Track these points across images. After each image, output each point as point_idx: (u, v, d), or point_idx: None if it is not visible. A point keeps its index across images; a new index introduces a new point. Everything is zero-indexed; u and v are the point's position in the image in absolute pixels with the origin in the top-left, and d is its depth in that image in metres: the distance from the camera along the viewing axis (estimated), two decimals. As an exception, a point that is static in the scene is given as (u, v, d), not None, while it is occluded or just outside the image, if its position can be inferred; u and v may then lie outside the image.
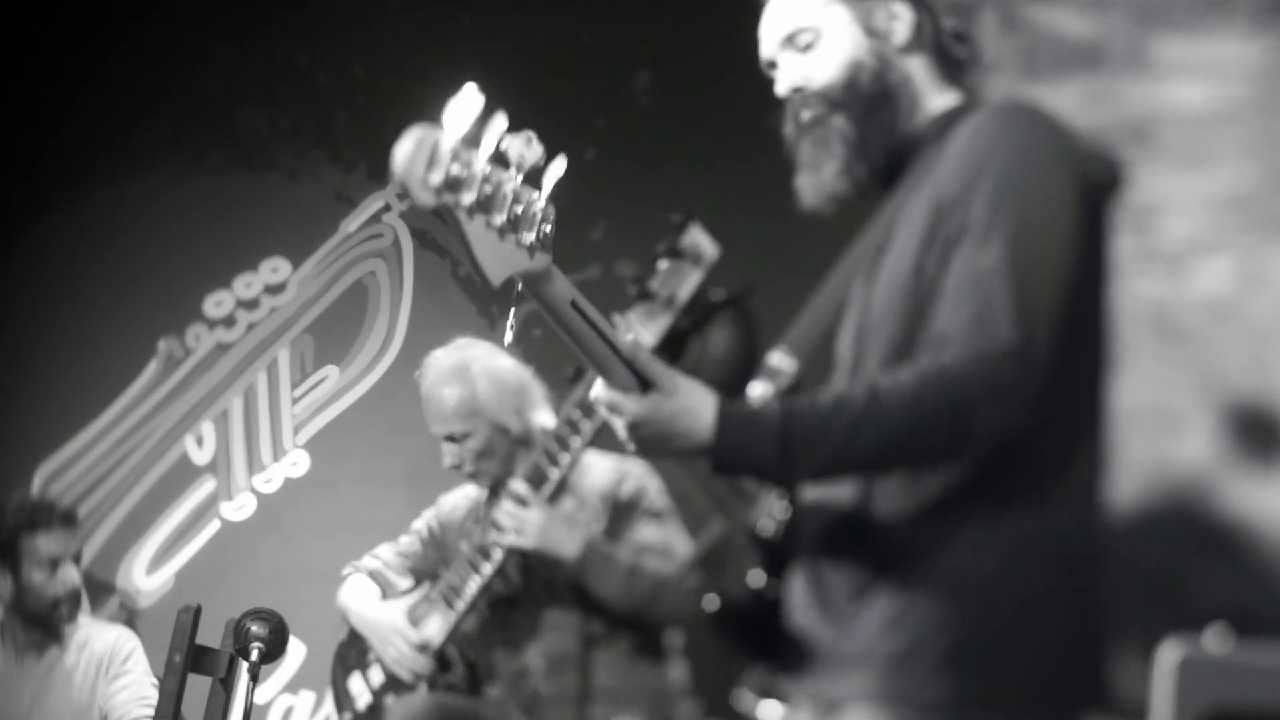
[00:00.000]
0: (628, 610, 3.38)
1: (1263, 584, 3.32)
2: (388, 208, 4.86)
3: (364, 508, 4.61)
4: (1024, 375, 1.80)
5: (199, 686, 3.52)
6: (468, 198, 1.68)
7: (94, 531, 4.84)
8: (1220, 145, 3.57)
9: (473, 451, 3.55)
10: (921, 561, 1.87)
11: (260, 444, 4.84)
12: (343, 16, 4.95)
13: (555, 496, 3.36)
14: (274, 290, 4.93)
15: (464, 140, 1.67)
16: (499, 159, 1.72)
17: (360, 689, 3.65)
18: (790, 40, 2.12)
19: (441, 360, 3.64)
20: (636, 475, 3.56)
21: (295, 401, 4.84)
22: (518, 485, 3.35)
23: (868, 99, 2.06)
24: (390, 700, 3.57)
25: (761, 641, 1.96)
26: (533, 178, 1.78)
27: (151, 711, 3.82)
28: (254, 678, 3.22)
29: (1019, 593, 1.86)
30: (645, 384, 1.91)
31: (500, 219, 1.73)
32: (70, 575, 3.88)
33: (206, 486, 4.86)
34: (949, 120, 2.04)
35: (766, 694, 2.06)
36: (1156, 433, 3.47)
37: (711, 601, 1.93)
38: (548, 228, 1.80)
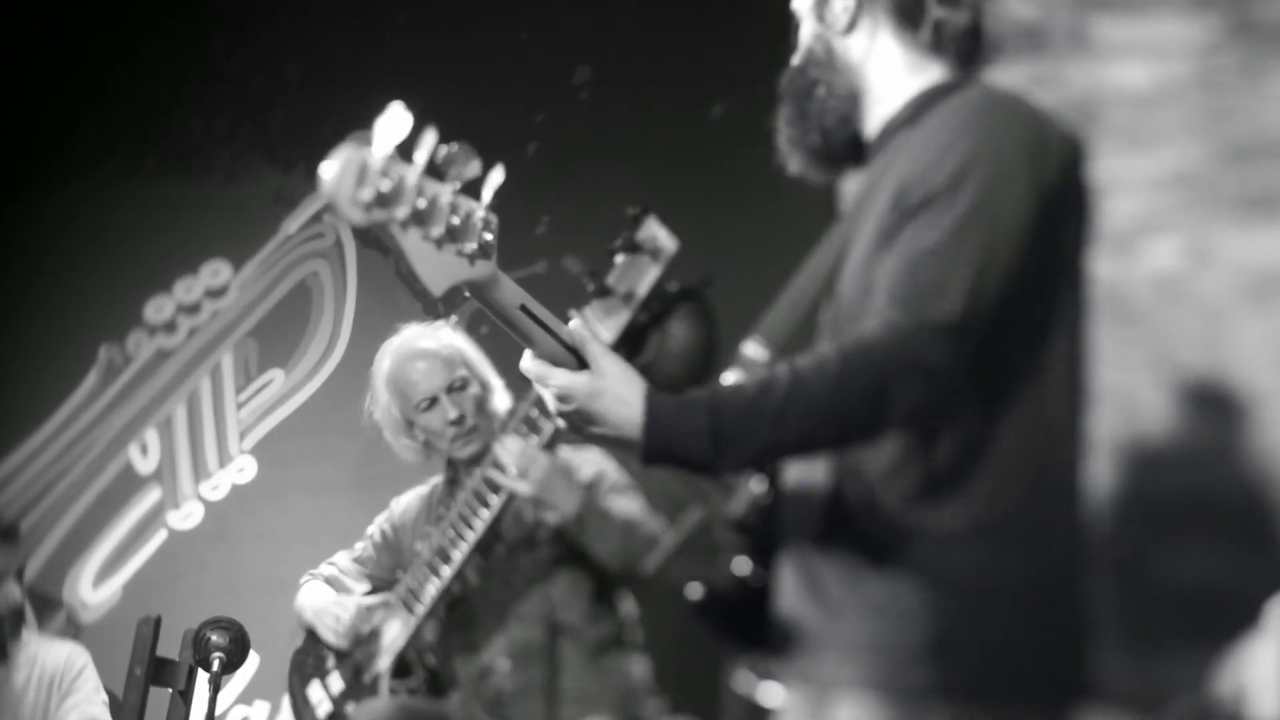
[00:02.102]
0: (622, 566, 3.34)
1: (1225, 558, 3.34)
2: (328, 207, 4.80)
3: (313, 513, 4.56)
4: (948, 352, 1.79)
5: (156, 699, 3.48)
6: (401, 211, 1.67)
7: (38, 546, 4.76)
8: (1164, 125, 3.59)
9: (474, 399, 3.51)
10: (908, 550, 1.87)
11: (206, 451, 4.78)
12: (276, 16, 4.89)
13: (503, 513, 3.32)
14: (215, 294, 4.86)
15: (393, 156, 1.67)
16: (434, 172, 1.72)
17: (320, 697, 3.61)
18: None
19: (402, 335, 3.63)
20: (592, 460, 3.54)
21: (240, 406, 4.78)
22: (511, 440, 3.29)
23: (799, 90, 2.11)
24: (351, 708, 3.53)
25: (746, 628, 1.95)
26: (472, 188, 1.78)
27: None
28: (216, 688, 3.18)
29: (1002, 583, 1.86)
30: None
31: (438, 230, 1.73)
32: (11, 593, 3.81)
33: (152, 496, 4.79)
34: (925, 101, 2.02)
35: (767, 675, 2.06)
36: (1112, 411, 3.49)
37: (695, 590, 1.92)
38: (489, 236, 1.80)
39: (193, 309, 4.87)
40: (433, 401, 3.52)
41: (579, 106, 4.59)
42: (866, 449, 1.87)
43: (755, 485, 1.94)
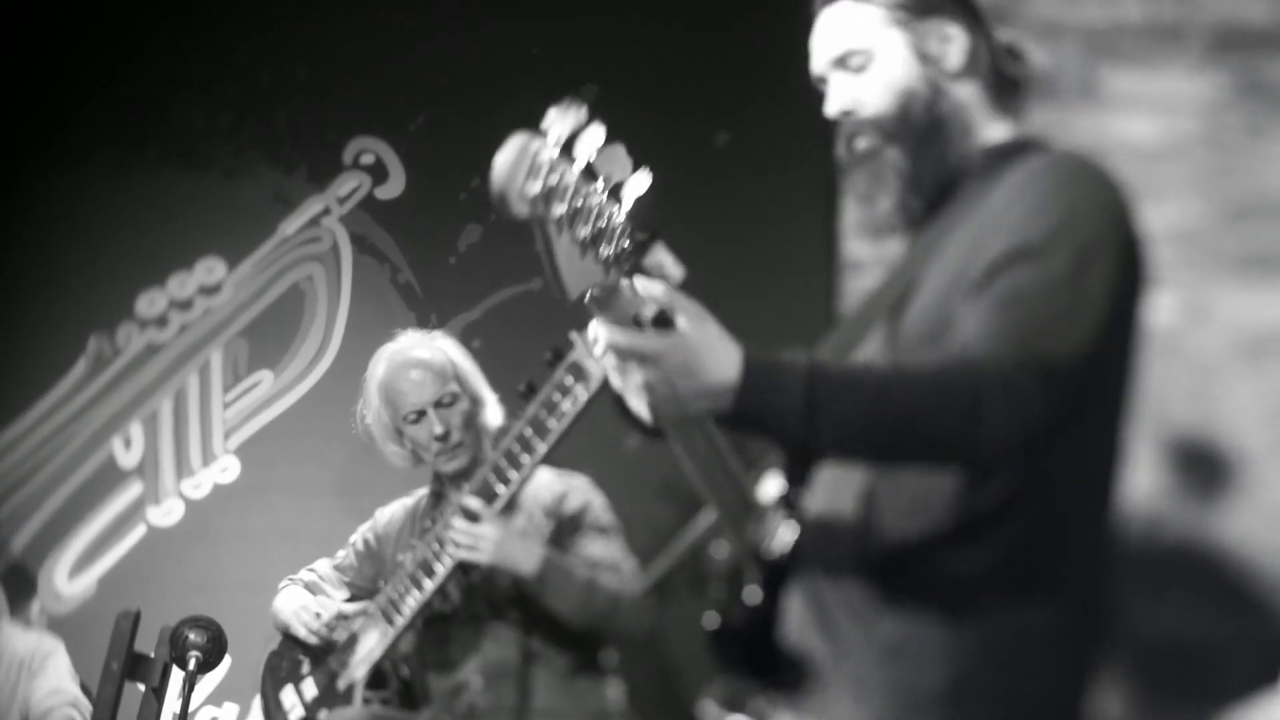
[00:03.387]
0: (583, 625, 3.35)
1: (1211, 614, 3.34)
2: (327, 211, 4.79)
3: (294, 516, 4.54)
4: (1043, 392, 1.75)
5: (128, 695, 3.46)
6: (559, 210, 1.66)
7: (15, 534, 4.73)
8: (1167, 179, 3.60)
9: (461, 416, 3.50)
10: (925, 589, 1.84)
11: (190, 448, 4.75)
12: (287, 13, 4.87)
13: (505, 512, 3.31)
14: (209, 291, 4.84)
15: (561, 150, 1.65)
16: (588, 170, 1.69)
17: (292, 702, 3.60)
18: (842, 61, 2.07)
19: (400, 342, 3.63)
20: (581, 490, 3.54)
21: (227, 406, 4.76)
22: (470, 500, 3.31)
23: (920, 130, 2.01)
24: (324, 714, 3.52)
25: (756, 659, 1.93)
26: (615, 190, 1.74)
27: (74, 711, 3.75)
28: (191, 687, 3.17)
29: (1026, 631, 1.84)
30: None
31: (585, 232, 1.70)
32: None
33: (133, 490, 4.76)
34: (999, 156, 1.99)
35: (733, 707, 2.04)
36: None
37: (711, 620, 1.89)
38: (625, 243, 1.75)
39: (185, 305, 4.85)
40: (420, 415, 3.52)
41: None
42: (941, 467, 1.83)
43: (787, 530, 1.91)
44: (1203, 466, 3.44)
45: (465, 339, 4.50)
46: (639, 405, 1.90)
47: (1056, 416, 1.78)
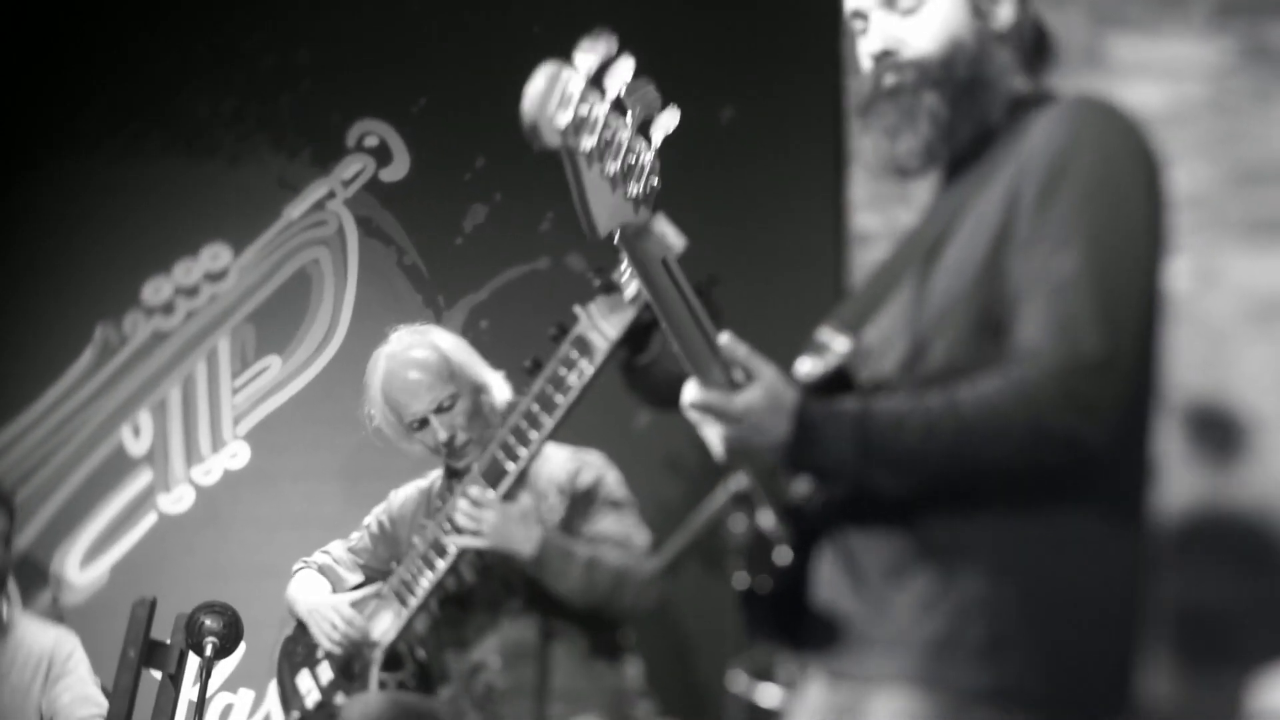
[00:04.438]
0: (587, 605, 3.34)
1: (1226, 581, 3.33)
2: (331, 195, 4.78)
3: (304, 501, 4.53)
4: (1108, 389, 1.76)
5: (145, 682, 3.46)
6: (588, 142, 1.64)
7: (26, 524, 4.73)
8: (1174, 145, 3.56)
9: (464, 415, 3.48)
10: (964, 544, 1.83)
11: (199, 435, 4.75)
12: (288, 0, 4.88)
13: (512, 491, 3.30)
14: (214, 277, 4.83)
15: (590, 82, 1.64)
16: (617, 105, 1.68)
17: (309, 686, 3.59)
18: (891, 1, 2.05)
19: (394, 344, 3.60)
20: (594, 465, 3.53)
21: (236, 392, 4.75)
22: (472, 487, 3.30)
23: (963, 82, 1.99)
24: (340, 698, 3.51)
25: (786, 620, 1.92)
26: (643, 127, 1.73)
27: (99, 711, 3.75)
28: (208, 673, 3.16)
29: (1063, 587, 1.82)
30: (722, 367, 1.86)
31: (614, 168, 1.69)
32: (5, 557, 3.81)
33: (143, 478, 4.75)
34: (1017, 108, 1.98)
35: (764, 677, 2.03)
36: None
37: (741, 580, 1.89)
38: (655, 180, 1.76)
39: (191, 292, 4.84)
40: (423, 423, 3.51)
41: (588, 104, 4.57)
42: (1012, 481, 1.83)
43: (780, 556, 1.92)
44: (1216, 432, 3.43)
45: (473, 320, 4.51)
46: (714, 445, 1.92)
47: (1129, 399, 1.79)
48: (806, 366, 1.92)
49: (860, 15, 2.09)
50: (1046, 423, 1.76)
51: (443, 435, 3.47)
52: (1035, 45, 2.06)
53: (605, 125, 1.66)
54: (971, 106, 1.99)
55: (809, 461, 1.84)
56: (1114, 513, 1.87)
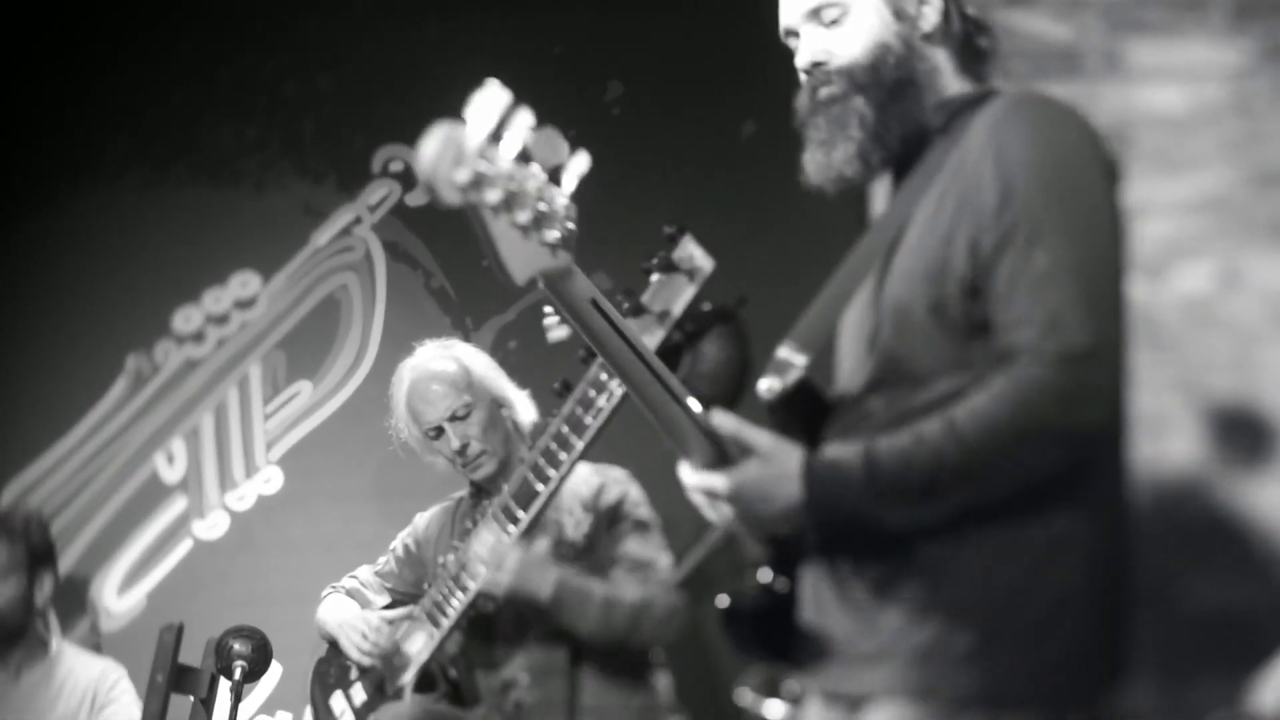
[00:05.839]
0: (603, 644, 3.37)
1: (1253, 584, 3.32)
2: (358, 220, 4.81)
3: (338, 524, 4.56)
4: (1101, 376, 1.79)
5: (178, 706, 3.48)
6: (492, 195, 1.64)
7: (63, 552, 4.76)
8: (1197, 148, 3.58)
9: (479, 426, 3.51)
10: (947, 556, 1.85)
11: (232, 460, 4.78)
12: (309, 26, 4.89)
13: (530, 531, 3.32)
14: (244, 305, 4.87)
15: (489, 137, 1.64)
16: (522, 155, 1.68)
17: (342, 707, 3.61)
18: (816, 13, 2.09)
19: (418, 356, 3.64)
20: (618, 481, 3.55)
21: (268, 417, 4.78)
22: (487, 532, 3.32)
23: (891, 84, 2.03)
24: (372, 718, 3.53)
25: (772, 638, 1.94)
26: (554, 174, 1.74)
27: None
28: (238, 696, 3.18)
29: (1047, 592, 1.84)
30: (705, 430, 1.88)
31: (525, 216, 1.69)
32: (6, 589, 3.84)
33: (178, 505, 4.79)
34: (957, 108, 2.02)
35: (770, 692, 2.04)
36: (1141, 436, 3.47)
37: (722, 600, 1.91)
38: (571, 225, 1.76)
39: (221, 319, 4.87)
40: (439, 431, 3.54)
41: (610, 122, 4.59)
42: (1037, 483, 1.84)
43: (766, 576, 1.93)
44: (1242, 435, 3.42)
45: (501, 340, 4.53)
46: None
47: (1122, 381, 1.82)
48: (765, 385, 1.94)
49: (792, 33, 2.13)
50: (1048, 423, 1.78)
51: (455, 443, 3.50)
52: (970, 43, 2.09)
53: (509, 177, 1.65)
54: (900, 108, 2.03)
55: (825, 519, 1.85)
56: (1095, 510, 1.88)
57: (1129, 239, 1.93)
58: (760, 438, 1.87)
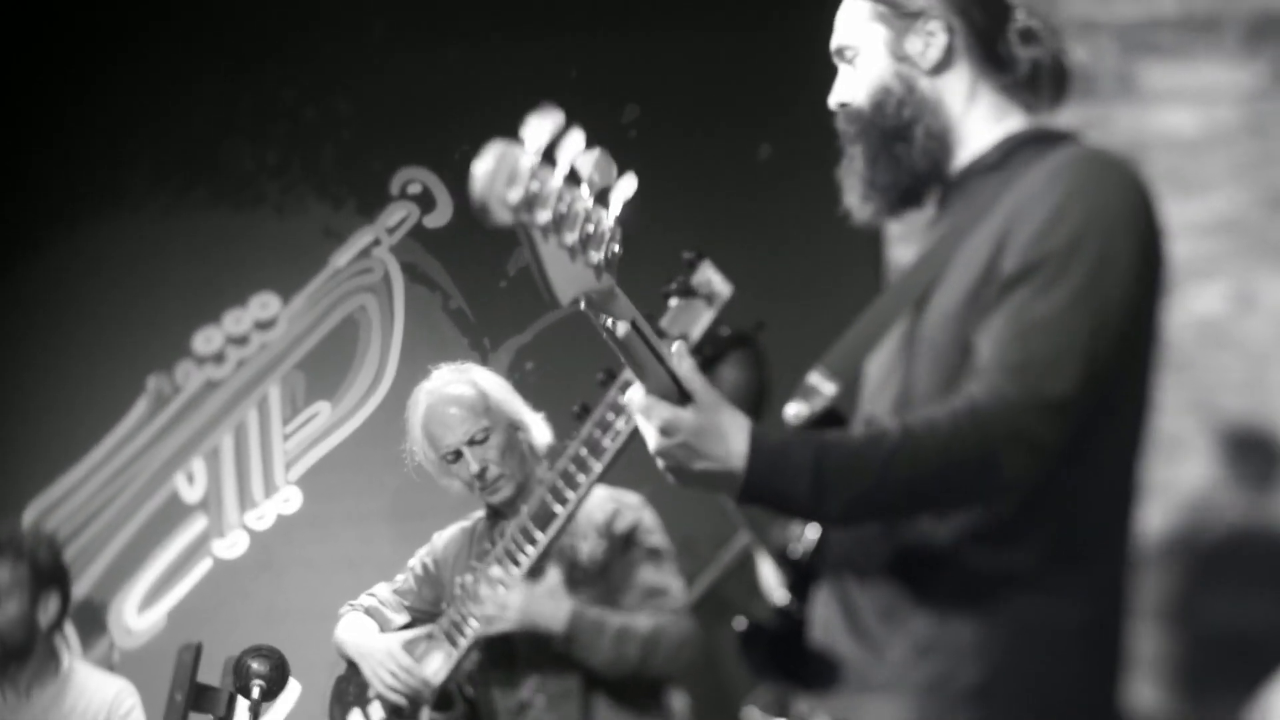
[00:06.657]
0: (617, 675, 3.38)
1: (1267, 603, 3.33)
2: (377, 242, 4.85)
3: (356, 543, 4.59)
4: (1055, 430, 1.79)
5: (198, 727, 3.51)
6: (543, 216, 1.65)
7: (84, 572, 4.80)
8: (1211, 170, 3.59)
9: (497, 449, 3.52)
10: (956, 587, 1.86)
11: (252, 480, 4.81)
12: (328, 50, 4.94)
13: (539, 565, 3.34)
14: (264, 326, 4.91)
15: (541, 157, 1.65)
16: (571, 176, 1.70)
17: (360, 726, 3.63)
18: (840, 54, 2.12)
19: (434, 380, 3.65)
20: (632, 507, 3.56)
21: (287, 438, 4.82)
22: (494, 569, 3.34)
23: (889, 130, 2.04)
24: (391, 737, 3.55)
25: (787, 661, 1.94)
26: (601, 196, 1.76)
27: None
28: (255, 715, 3.20)
29: (1057, 626, 1.85)
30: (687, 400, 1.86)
31: (572, 238, 1.70)
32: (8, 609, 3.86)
33: (198, 524, 4.82)
34: (1011, 148, 2.01)
35: (778, 712, 2.05)
36: (1154, 457, 3.48)
37: (739, 622, 1.92)
38: (615, 247, 1.77)
39: (241, 341, 4.91)
40: (457, 455, 3.56)
41: (627, 145, 4.61)
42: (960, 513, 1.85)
43: (780, 596, 1.94)
44: (1256, 455, 3.43)
45: (518, 362, 4.55)
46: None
47: (1074, 444, 1.81)
48: (793, 410, 1.94)
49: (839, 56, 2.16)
50: (994, 457, 1.78)
51: (474, 467, 3.51)
52: (1034, 79, 2.06)
53: (559, 198, 1.66)
54: (891, 152, 2.04)
55: (760, 495, 1.83)
56: (1100, 557, 1.90)
57: (1159, 319, 1.93)
58: (708, 392, 1.85)
